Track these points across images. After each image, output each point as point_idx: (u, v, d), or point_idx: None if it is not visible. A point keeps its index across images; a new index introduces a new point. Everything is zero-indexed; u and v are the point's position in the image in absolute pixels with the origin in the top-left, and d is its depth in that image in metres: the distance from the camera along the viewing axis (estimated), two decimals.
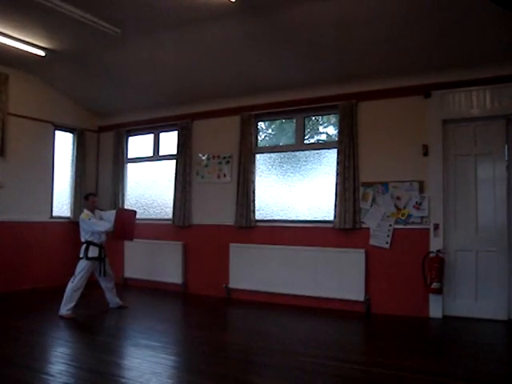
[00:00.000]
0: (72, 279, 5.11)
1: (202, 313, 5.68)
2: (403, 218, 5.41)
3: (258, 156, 6.52)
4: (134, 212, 5.67)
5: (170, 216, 7.05)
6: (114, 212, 5.51)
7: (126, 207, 7.49)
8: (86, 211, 5.32)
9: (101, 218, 5.40)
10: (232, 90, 6.44)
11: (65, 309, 5.01)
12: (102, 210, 5.85)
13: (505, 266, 4.98)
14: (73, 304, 5.04)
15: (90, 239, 5.24)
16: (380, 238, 5.50)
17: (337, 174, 5.74)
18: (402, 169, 5.46)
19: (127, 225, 5.39)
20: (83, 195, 6.30)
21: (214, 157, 6.79)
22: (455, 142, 5.33)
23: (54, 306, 5.16)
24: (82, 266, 5.16)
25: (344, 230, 5.66)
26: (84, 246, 5.23)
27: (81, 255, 5.22)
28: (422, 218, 5.32)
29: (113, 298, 5.55)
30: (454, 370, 3.45)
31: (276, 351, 3.89)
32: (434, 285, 5.07)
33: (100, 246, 5.27)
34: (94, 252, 5.21)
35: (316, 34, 4.93)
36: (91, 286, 5.65)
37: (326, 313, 5.47)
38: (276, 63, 5.63)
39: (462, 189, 5.27)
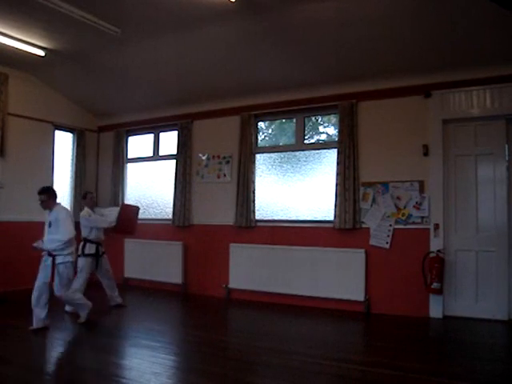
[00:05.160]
0: (76, 277, 5.22)
1: (202, 313, 5.68)
2: (403, 218, 5.40)
3: (258, 156, 6.52)
4: (138, 208, 5.83)
5: (170, 216, 7.05)
6: (115, 208, 5.71)
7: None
8: (86, 209, 5.46)
9: (102, 215, 5.52)
10: (232, 90, 6.44)
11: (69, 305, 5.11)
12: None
13: (505, 266, 4.98)
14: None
15: (87, 237, 5.35)
16: (380, 238, 5.50)
17: (337, 174, 5.74)
18: (402, 169, 5.46)
19: (130, 220, 5.55)
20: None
21: (213, 157, 6.79)
22: (455, 142, 5.33)
23: (54, 306, 5.15)
24: (81, 263, 5.30)
25: (344, 229, 5.66)
26: (81, 243, 5.36)
27: (79, 253, 5.33)
28: (422, 217, 5.32)
29: (113, 295, 5.60)
30: (454, 370, 3.45)
31: (276, 351, 3.89)
32: (434, 285, 5.07)
33: (97, 244, 5.35)
34: (90, 249, 5.34)
35: (316, 33, 4.93)
36: (91, 286, 5.65)
37: (326, 313, 5.47)
38: (276, 63, 5.63)
39: (462, 189, 5.28)
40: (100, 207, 5.91)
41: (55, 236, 4.50)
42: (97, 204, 7.74)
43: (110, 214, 5.47)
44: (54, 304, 5.17)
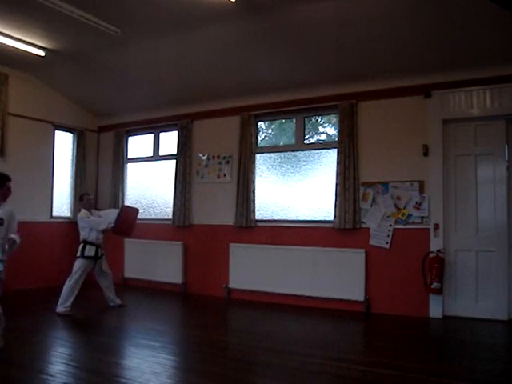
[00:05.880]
0: (69, 278, 5.22)
1: (202, 313, 5.68)
2: (403, 218, 5.40)
3: (258, 156, 6.52)
4: (137, 210, 5.83)
5: (170, 216, 7.05)
6: (113, 210, 5.71)
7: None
8: (83, 210, 5.46)
9: (99, 217, 5.50)
10: (232, 90, 6.44)
11: (61, 306, 5.12)
12: (99, 209, 6.00)
13: (505, 266, 4.98)
14: (70, 302, 5.14)
15: (87, 239, 5.32)
16: (380, 238, 5.50)
17: (337, 174, 5.74)
18: (402, 169, 5.46)
19: (129, 222, 5.55)
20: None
21: (213, 157, 6.79)
22: (455, 142, 5.33)
23: (54, 306, 5.17)
24: (78, 264, 5.26)
25: (344, 229, 5.66)
26: (81, 245, 5.34)
27: (77, 254, 5.31)
28: (422, 217, 5.31)
29: (112, 297, 5.58)
30: (454, 370, 3.45)
31: (276, 351, 3.89)
32: (434, 285, 5.06)
33: (96, 246, 5.35)
34: (90, 251, 5.31)
35: (316, 33, 4.93)
36: (91, 286, 5.66)
37: (326, 313, 5.47)
38: (276, 63, 5.63)
39: (462, 189, 5.28)
40: (97, 209, 5.91)
41: (13, 236, 3.83)
42: (97, 204, 7.75)
43: (108, 216, 5.45)
44: (53, 305, 5.18)
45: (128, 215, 5.53)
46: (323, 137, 6.39)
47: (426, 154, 5.32)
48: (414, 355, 3.82)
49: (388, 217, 5.48)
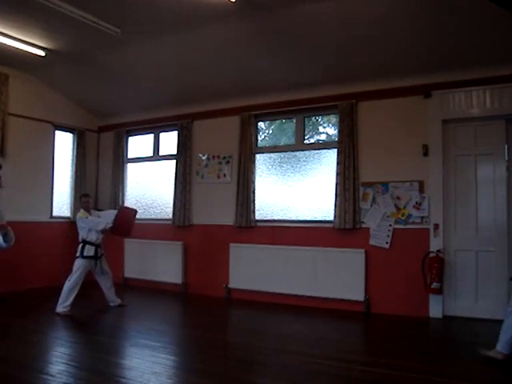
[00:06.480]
0: (69, 278, 5.23)
1: (202, 313, 5.68)
2: (403, 218, 5.40)
3: (257, 156, 6.52)
4: (136, 211, 5.82)
5: (170, 216, 7.05)
6: (112, 211, 5.70)
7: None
8: (82, 210, 5.48)
9: (98, 217, 5.51)
10: (232, 90, 6.44)
11: (61, 306, 5.12)
12: (100, 210, 6.01)
13: (505, 266, 4.98)
14: (69, 302, 5.14)
15: (86, 239, 5.33)
16: (380, 238, 5.50)
17: (337, 174, 5.74)
18: (402, 169, 5.46)
19: (127, 222, 5.55)
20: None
21: (213, 157, 6.79)
22: (455, 142, 5.33)
23: (54, 306, 5.17)
24: (78, 264, 5.27)
25: (344, 229, 5.66)
26: (80, 245, 5.35)
27: (77, 254, 5.32)
28: (422, 217, 5.32)
29: (112, 297, 5.58)
30: (454, 370, 3.45)
31: (276, 351, 3.89)
32: (434, 285, 5.07)
33: (96, 246, 5.35)
34: (89, 251, 5.32)
35: (316, 33, 4.93)
36: (91, 286, 5.66)
37: (326, 313, 5.47)
38: (276, 63, 5.63)
39: (462, 189, 5.28)
40: (97, 210, 5.91)
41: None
42: (97, 204, 7.76)
43: (107, 216, 5.47)
44: (53, 305, 5.19)
45: (126, 216, 5.55)
46: (323, 137, 6.39)
47: (425, 154, 5.33)
48: (414, 355, 3.82)
49: (388, 217, 5.48)
